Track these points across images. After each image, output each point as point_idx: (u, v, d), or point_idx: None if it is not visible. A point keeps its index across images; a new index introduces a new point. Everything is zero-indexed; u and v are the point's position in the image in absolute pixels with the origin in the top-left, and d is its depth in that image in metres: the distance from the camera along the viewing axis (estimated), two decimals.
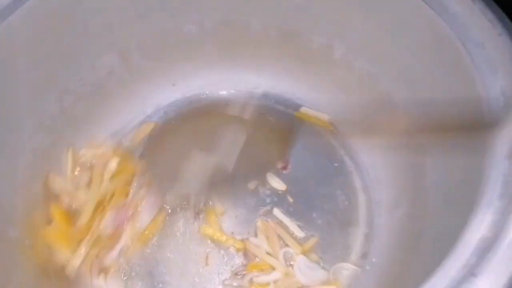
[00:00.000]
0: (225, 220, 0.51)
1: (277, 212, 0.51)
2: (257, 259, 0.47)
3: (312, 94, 0.60)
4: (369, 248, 0.48)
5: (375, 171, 0.54)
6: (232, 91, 0.62)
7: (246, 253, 0.48)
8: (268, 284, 0.45)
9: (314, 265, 0.47)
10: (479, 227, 0.28)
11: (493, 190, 0.29)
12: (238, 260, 0.48)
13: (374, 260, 0.47)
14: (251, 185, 0.53)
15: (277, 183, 0.53)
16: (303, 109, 0.60)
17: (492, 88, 0.33)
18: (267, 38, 0.56)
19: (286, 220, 0.50)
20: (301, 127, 0.58)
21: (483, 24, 0.36)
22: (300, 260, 0.46)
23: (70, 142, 0.51)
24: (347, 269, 0.47)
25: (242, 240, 0.49)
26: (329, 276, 0.46)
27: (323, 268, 0.47)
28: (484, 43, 0.35)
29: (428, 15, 0.38)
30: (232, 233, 0.50)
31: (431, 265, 0.28)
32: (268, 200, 0.52)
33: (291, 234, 0.49)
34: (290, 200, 0.52)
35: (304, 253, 0.47)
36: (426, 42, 0.40)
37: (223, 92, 0.62)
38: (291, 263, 0.47)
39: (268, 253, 0.47)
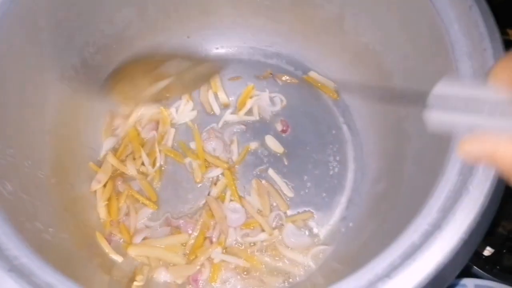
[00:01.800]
0: None
1: (271, 172, 0.56)
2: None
3: (321, 60, 0.61)
4: (348, 213, 0.54)
5: (368, 144, 0.57)
6: (244, 47, 0.64)
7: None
8: (255, 243, 0.52)
9: (300, 232, 0.53)
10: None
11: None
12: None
13: (350, 225, 0.53)
14: (252, 145, 0.58)
15: (275, 146, 0.57)
16: (312, 73, 0.62)
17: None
18: (281, 2, 0.56)
19: (278, 180, 0.56)
20: (306, 92, 0.61)
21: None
22: (288, 228, 0.52)
23: (91, 92, 0.55)
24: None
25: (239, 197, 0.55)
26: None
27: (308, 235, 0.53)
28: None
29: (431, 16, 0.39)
30: None
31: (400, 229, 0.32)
32: (265, 160, 0.57)
33: (281, 195, 0.55)
34: (285, 162, 0.57)
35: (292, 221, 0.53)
36: (422, 35, 0.41)
37: (235, 49, 0.64)
38: (281, 223, 0.53)
39: (260, 213, 0.54)
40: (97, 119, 0.58)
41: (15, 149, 0.42)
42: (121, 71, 0.54)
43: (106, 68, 0.57)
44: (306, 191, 0.56)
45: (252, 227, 0.53)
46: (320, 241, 0.53)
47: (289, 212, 0.54)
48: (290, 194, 0.55)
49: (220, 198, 0.54)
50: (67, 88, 0.52)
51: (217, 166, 0.56)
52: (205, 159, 0.56)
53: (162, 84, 0.51)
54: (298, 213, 0.54)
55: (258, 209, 0.54)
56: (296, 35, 0.61)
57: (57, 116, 0.51)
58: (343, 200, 0.55)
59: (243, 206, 0.54)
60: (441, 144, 0.37)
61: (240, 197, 0.54)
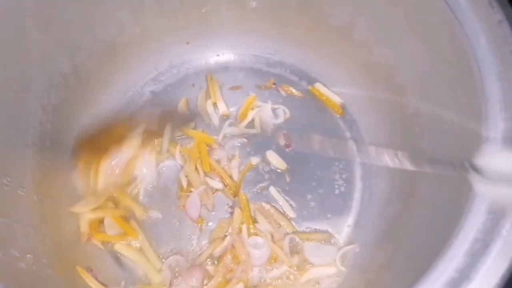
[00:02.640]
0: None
1: (273, 190, 0.52)
2: None
3: (328, 71, 0.57)
4: (355, 237, 0.50)
5: None
6: (246, 55, 0.60)
7: None
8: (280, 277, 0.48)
9: (321, 246, 0.49)
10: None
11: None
12: None
13: (356, 250, 0.49)
14: (253, 160, 0.54)
15: (277, 162, 0.53)
16: (317, 85, 0.58)
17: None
18: (287, 5, 0.53)
19: (280, 199, 0.52)
20: (311, 104, 0.57)
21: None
22: (307, 247, 0.49)
23: (81, 100, 0.52)
24: None
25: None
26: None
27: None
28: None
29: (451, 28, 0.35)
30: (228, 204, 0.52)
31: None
32: (266, 176, 0.54)
33: (285, 215, 0.51)
34: (288, 179, 0.53)
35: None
36: (443, 50, 0.37)
37: (237, 57, 0.60)
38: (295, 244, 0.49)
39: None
40: (85, 129, 0.54)
41: None
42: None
43: (98, 76, 0.53)
44: (310, 211, 0.52)
45: (273, 261, 0.48)
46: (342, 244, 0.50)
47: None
48: (292, 214, 0.51)
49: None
50: (54, 97, 0.48)
51: (222, 179, 0.52)
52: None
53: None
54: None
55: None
56: (301, 43, 0.57)
57: (40, 128, 0.47)
58: (349, 221, 0.51)
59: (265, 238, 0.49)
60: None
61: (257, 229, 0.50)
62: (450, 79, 0.37)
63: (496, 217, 0.27)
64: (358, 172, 0.54)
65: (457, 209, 0.31)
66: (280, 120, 0.56)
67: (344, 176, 0.54)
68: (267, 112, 0.56)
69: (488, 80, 0.32)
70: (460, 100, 0.36)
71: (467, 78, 0.34)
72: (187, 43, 0.59)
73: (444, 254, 0.27)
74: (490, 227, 0.27)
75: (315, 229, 0.51)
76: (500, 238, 0.26)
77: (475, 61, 0.33)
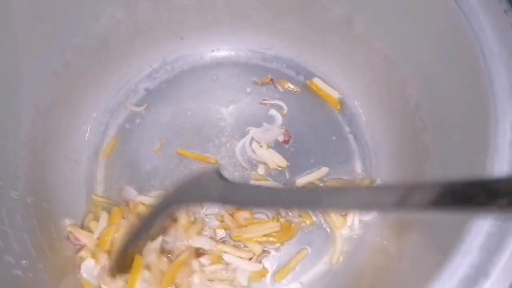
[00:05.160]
0: None
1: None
2: None
3: (326, 65, 0.57)
4: (359, 233, 0.50)
5: (378, 156, 0.53)
6: (242, 50, 0.59)
7: None
8: None
9: None
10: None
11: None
12: None
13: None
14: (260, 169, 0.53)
15: (277, 159, 0.52)
16: (316, 80, 0.57)
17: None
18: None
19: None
20: (309, 99, 0.57)
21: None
22: None
23: (74, 98, 0.50)
24: None
25: None
26: None
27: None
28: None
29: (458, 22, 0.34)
30: None
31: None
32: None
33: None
34: (288, 176, 0.53)
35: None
36: (447, 42, 0.37)
37: (232, 52, 0.59)
38: None
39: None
40: (79, 129, 0.52)
41: None
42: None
43: (91, 73, 0.52)
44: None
45: None
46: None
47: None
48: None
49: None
50: (46, 96, 0.46)
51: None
52: None
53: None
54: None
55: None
56: (298, 38, 0.56)
57: (32, 127, 0.45)
58: (351, 218, 0.51)
59: None
60: (470, 163, 0.33)
61: None
62: (454, 72, 0.36)
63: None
64: (358, 166, 0.53)
65: None
66: (278, 122, 0.55)
67: (345, 170, 0.53)
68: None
69: (495, 71, 0.32)
70: (466, 93, 0.36)
71: (473, 70, 0.33)
72: (182, 38, 0.57)
73: (458, 249, 0.26)
74: (504, 219, 0.26)
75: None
76: None
77: (481, 53, 0.33)
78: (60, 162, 0.49)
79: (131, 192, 0.51)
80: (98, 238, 0.46)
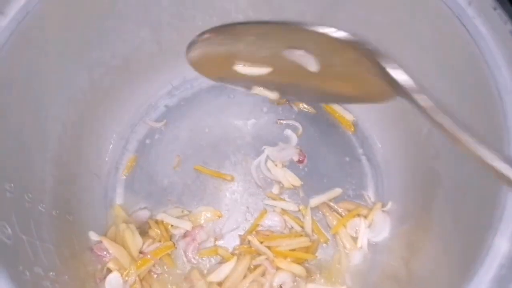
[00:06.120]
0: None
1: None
2: None
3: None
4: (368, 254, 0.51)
5: (390, 178, 0.54)
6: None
7: None
8: None
9: None
10: None
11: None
12: None
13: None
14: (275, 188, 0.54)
15: (291, 178, 0.54)
16: None
17: None
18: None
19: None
20: (323, 120, 0.58)
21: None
22: None
23: (98, 115, 0.52)
24: None
25: None
26: None
27: None
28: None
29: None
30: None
31: None
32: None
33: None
34: (301, 195, 0.54)
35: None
36: (461, 76, 0.38)
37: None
38: None
39: None
40: (102, 144, 0.54)
41: (14, 183, 0.38)
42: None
43: (115, 90, 0.54)
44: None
45: None
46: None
47: None
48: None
49: None
50: (72, 112, 0.48)
51: None
52: None
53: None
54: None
55: None
56: None
57: (59, 143, 0.47)
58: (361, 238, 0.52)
59: None
60: (485, 193, 0.34)
61: None
62: (468, 104, 0.38)
63: None
64: (371, 188, 0.54)
65: (477, 230, 0.31)
66: (293, 142, 0.57)
67: (357, 192, 0.54)
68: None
69: (509, 108, 0.33)
70: (478, 125, 0.37)
71: (488, 105, 0.35)
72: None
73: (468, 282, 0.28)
74: None
75: None
76: None
77: (496, 89, 0.34)
78: (82, 176, 0.51)
79: (143, 214, 0.53)
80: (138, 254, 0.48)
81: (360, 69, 0.32)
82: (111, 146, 0.55)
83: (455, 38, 0.37)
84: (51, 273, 0.37)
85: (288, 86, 0.41)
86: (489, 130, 0.34)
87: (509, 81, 0.33)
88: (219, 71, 0.43)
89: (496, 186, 0.33)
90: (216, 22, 0.54)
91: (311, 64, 0.35)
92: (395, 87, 0.31)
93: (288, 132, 0.57)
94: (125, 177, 0.55)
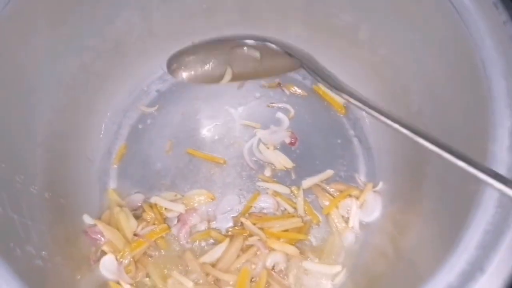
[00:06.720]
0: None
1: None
2: None
3: (332, 70, 0.58)
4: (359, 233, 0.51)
5: (381, 159, 0.54)
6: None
7: None
8: None
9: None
10: None
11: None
12: None
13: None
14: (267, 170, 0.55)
15: (284, 160, 0.54)
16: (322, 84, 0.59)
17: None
18: (293, 3, 0.54)
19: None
20: (315, 103, 0.58)
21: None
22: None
23: (89, 99, 0.52)
24: None
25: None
26: None
27: None
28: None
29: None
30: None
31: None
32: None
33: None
34: (294, 177, 0.54)
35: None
36: (448, 50, 0.39)
37: None
38: None
39: None
40: (94, 128, 0.54)
41: (6, 164, 0.38)
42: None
43: (106, 75, 0.54)
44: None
45: None
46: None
47: None
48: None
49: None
50: (62, 96, 0.48)
51: None
52: None
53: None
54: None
55: None
56: (305, 43, 0.58)
57: (50, 126, 0.47)
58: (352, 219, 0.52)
59: None
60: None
61: None
62: (455, 78, 0.38)
63: (505, 211, 0.28)
64: (362, 169, 0.55)
65: (464, 204, 0.32)
66: (285, 125, 0.57)
67: (349, 173, 0.55)
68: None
69: (494, 79, 0.33)
70: (465, 99, 0.37)
71: (473, 77, 0.35)
72: (193, 43, 0.59)
73: (455, 248, 0.28)
74: (500, 220, 0.28)
75: None
76: (510, 230, 0.27)
77: (480, 60, 0.34)
78: (75, 160, 0.51)
79: (137, 198, 0.53)
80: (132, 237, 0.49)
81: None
82: (103, 131, 0.55)
83: (439, 12, 0.37)
84: (43, 253, 0.37)
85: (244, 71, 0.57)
86: (475, 101, 0.35)
87: (493, 51, 0.33)
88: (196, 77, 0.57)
89: (482, 162, 0.33)
90: (205, 6, 0.55)
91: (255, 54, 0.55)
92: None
93: (280, 115, 0.58)
94: (118, 161, 0.55)
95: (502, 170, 0.31)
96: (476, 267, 0.26)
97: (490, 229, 0.27)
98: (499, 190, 0.27)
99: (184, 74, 0.57)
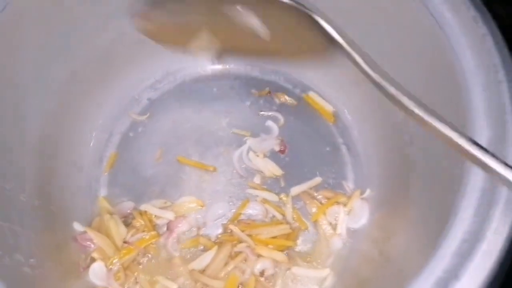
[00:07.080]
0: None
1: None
2: None
3: (322, 80, 0.59)
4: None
5: (369, 166, 0.55)
6: (242, 62, 0.62)
7: None
8: None
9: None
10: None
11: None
12: None
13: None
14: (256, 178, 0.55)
15: (272, 168, 0.55)
16: (311, 94, 0.60)
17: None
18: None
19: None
20: (305, 111, 0.59)
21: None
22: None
23: (80, 106, 0.53)
24: None
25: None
26: None
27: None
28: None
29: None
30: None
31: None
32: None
33: None
34: (283, 184, 0.55)
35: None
36: (431, 62, 0.40)
37: (232, 65, 0.61)
38: None
39: None
40: (85, 136, 0.55)
41: None
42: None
43: (97, 83, 0.54)
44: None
45: None
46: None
47: None
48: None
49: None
50: (53, 104, 0.49)
51: None
52: None
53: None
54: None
55: None
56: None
57: (39, 133, 0.47)
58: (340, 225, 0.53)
59: None
60: (452, 178, 0.36)
61: None
62: (435, 89, 0.39)
63: (481, 219, 0.29)
64: (350, 177, 0.56)
65: (445, 214, 0.33)
66: (274, 133, 0.58)
67: (337, 181, 0.55)
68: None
69: (473, 90, 0.34)
70: (445, 110, 0.38)
71: (454, 88, 0.36)
72: (183, 52, 0.60)
73: (433, 256, 0.29)
74: (476, 229, 0.29)
75: None
76: (485, 239, 0.28)
77: (461, 72, 0.35)
78: (65, 168, 0.51)
79: (127, 206, 0.53)
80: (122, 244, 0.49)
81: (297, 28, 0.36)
82: (94, 139, 0.56)
83: (421, 25, 0.39)
84: (31, 260, 0.37)
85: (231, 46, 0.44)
86: (455, 111, 0.36)
87: (473, 63, 0.34)
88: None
89: (461, 173, 0.34)
90: None
91: (262, 30, 0.37)
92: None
93: (270, 123, 0.58)
94: (108, 169, 0.56)
95: (479, 182, 0.32)
96: (452, 275, 0.27)
97: (467, 238, 0.28)
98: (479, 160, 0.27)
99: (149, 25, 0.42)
